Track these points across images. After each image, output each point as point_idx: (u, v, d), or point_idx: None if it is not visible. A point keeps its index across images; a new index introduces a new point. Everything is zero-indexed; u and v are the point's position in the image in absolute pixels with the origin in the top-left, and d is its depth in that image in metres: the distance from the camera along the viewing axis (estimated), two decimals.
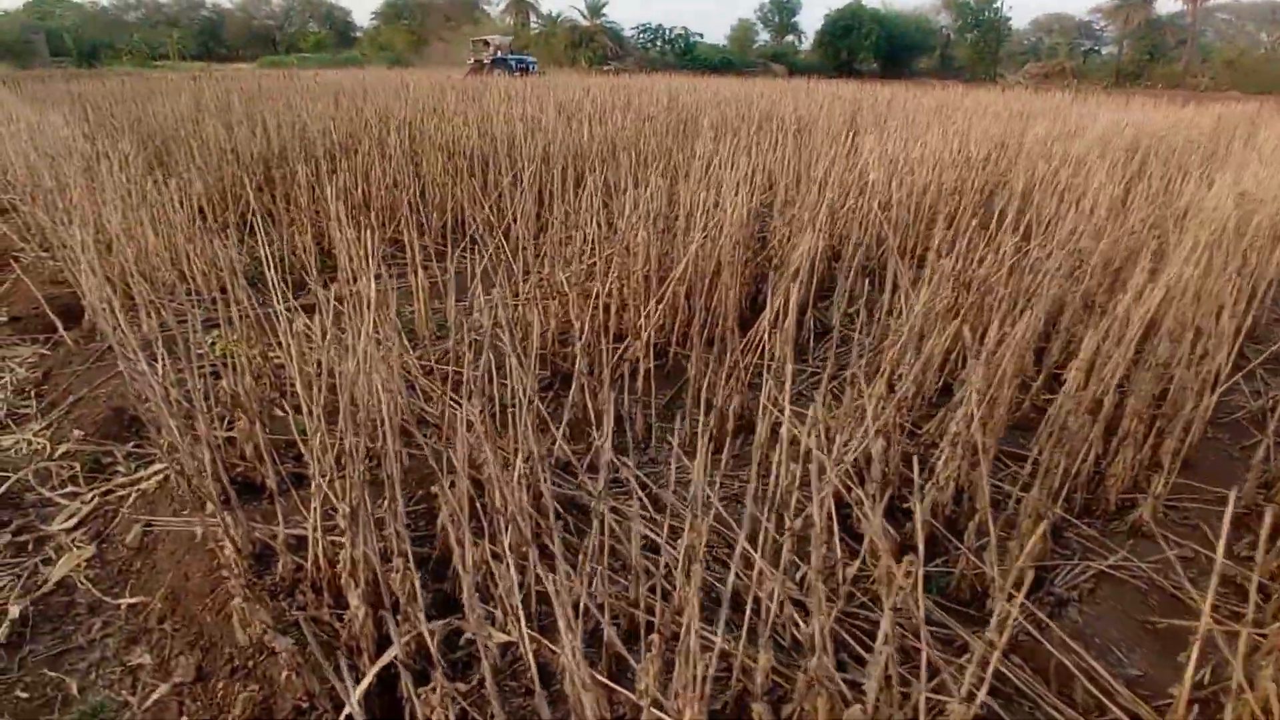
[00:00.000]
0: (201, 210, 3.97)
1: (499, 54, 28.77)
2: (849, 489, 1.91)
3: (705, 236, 2.79)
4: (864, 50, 52.16)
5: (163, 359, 2.43)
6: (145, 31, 46.22)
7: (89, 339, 3.10)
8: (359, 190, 4.22)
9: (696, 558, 1.25)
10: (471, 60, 28.89)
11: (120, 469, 2.26)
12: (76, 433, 2.37)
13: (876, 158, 4.03)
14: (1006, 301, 2.54)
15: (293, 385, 2.41)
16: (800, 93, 13.68)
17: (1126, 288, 2.33)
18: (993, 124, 7.06)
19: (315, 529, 1.66)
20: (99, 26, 44.63)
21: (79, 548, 1.94)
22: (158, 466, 2.21)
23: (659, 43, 50.02)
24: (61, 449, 2.33)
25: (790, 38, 58.52)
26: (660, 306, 2.83)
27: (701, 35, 52.49)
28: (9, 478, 2.19)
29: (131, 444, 2.38)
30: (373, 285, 2.34)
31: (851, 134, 4.83)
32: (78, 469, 2.23)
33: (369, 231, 2.74)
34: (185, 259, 3.43)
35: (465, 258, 4.31)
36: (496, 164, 4.86)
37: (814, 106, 9.42)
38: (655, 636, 1.21)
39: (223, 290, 3.48)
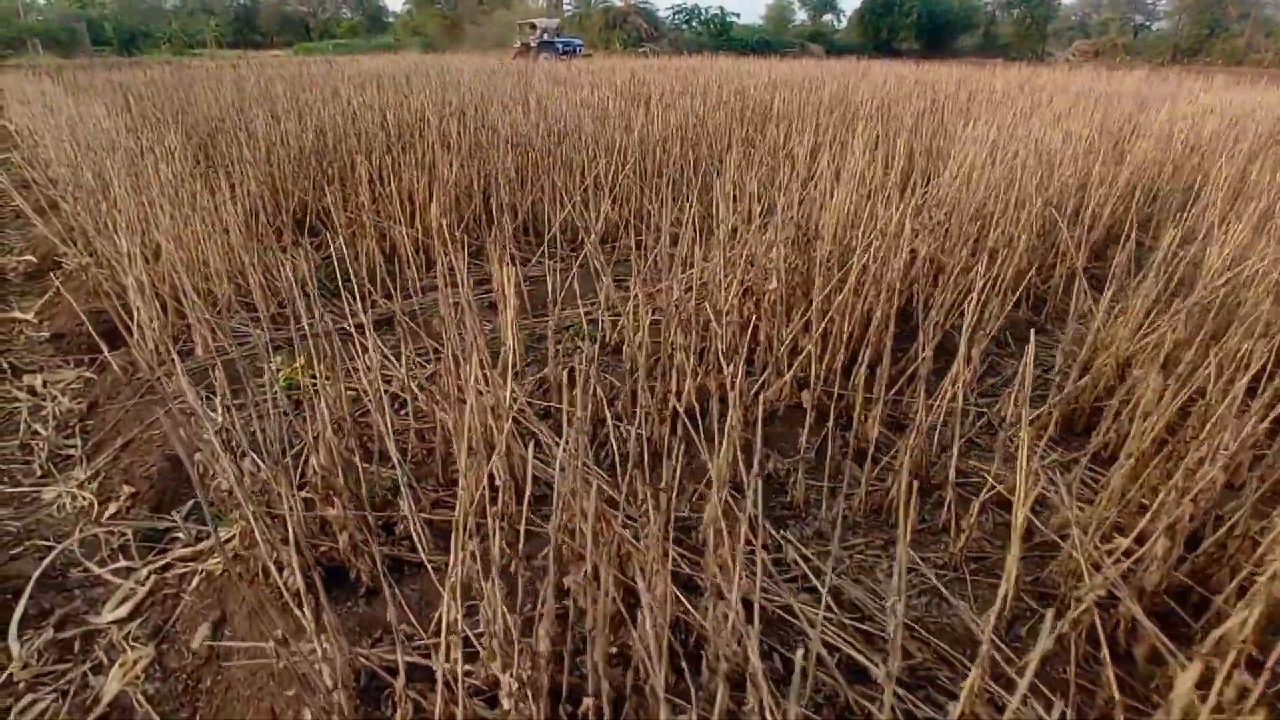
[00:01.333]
0: (255, 212, 3.60)
1: (545, 36, 28.43)
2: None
3: (870, 255, 2.34)
4: (905, 29, 50.74)
5: (222, 395, 2.07)
6: (183, 19, 46.47)
7: (137, 364, 2.75)
8: (423, 188, 3.83)
9: None
10: (518, 43, 28.62)
11: (180, 535, 1.90)
12: (126, 489, 2.02)
13: (1022, 148, 3.53)
14: None
15: (376, 434, 2.03)
16: (855, 74, 13.03)
17: None
18: (1089, 108, 6.45)
19: (446, 656, 1.27)
20: (138, 15, 44.93)
21: (134, 646, 1.58)
22: (225, 534, 1.84)
23: (694, 23, 49.08)
24: (111, 509, 1.97)
25: (828, 16, 57.15)
26: (794, 331, 2.40)
27: (738, 15, 51.49)
28: (52, 547, 1.85)
29: (192, 502, 2.02)
30: (473, 313, 1.94)
31: (962, 123, 4.32)
32: (130, 537, 1.88)
33: (449, 238, 2.34)
34: (241, 268, 3.07)
35: (543, 264, 3.92)
36: (562, 156, 4.44)
37: (883, 90, 8.83)
38: None
39: (281, 304, 3.12)
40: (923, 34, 49.03)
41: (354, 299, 3.26)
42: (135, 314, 2.70)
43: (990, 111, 5.58)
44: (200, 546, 1.85)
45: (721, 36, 46.05)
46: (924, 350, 2.06)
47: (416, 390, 2.28)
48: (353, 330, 2.75)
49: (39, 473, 2.22)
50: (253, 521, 1.52)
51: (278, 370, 2.62)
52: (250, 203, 3.50)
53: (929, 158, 3.80)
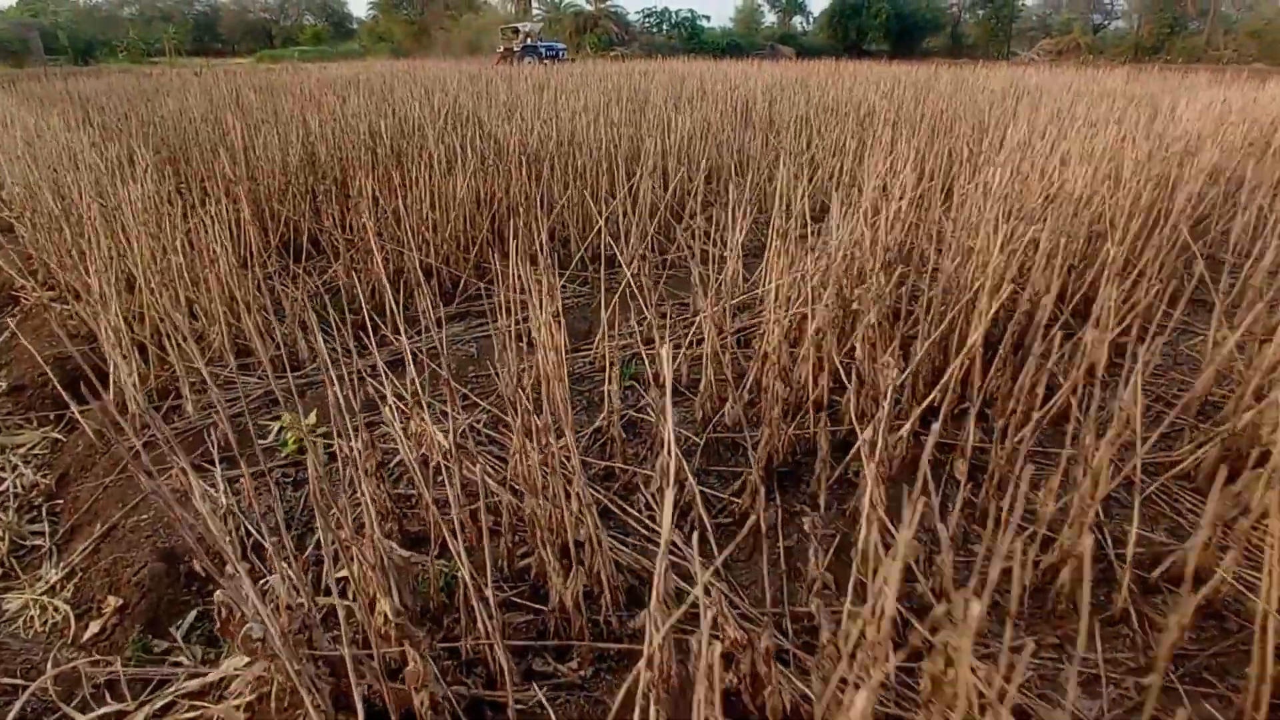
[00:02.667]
0: (242, 238, 3.19)
1: (529, 41, 28.07)
2: None
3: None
4: (874, 30, 51.16)
5: (222, 465, 1.69)
6: (140, 27, 45.16)
7: (116, 424, 2.34)
8: (431, 206, 3.44)
9: None
10: (501, 48, 28.23)
11: (183, 661, 1.51)
12: (111, 600, 1.62)
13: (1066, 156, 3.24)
14: None
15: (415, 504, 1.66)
16: (839, 77, 12.82)
17: None
18: (1118, 110, 6.24)
19: None
20: (93, 23, 43.58)
21: None
22: (235, 666, 1.45)
23: (664, 26, 48.96)
24: (92, 628, 1.57)
25: (797, 19, 57.41)
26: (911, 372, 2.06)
27: (708, 18, 51.55)
28: (18, 686, 1.45)
29: (194, 612, 1.63)
30: (559, 369, 1.59)
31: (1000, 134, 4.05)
32: (117, 666, 1.48)
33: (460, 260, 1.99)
34: (231, 303, 2.67)
35: (569, 287, 3.55)
36: (576, 167, 4.08)
37: (875, 93, 8.59)
38: None
39: (280, 346, 2.73)
40: (891, 35, 49.36)
41: (365, 335, 2.87)
42: (110, 363, 2.30)
43: (1036, 117, 5.33)
44: (210, 677, 1.46)
45: (692, 40, 45.96)
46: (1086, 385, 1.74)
47: (459, 452, 1.91)
48: (364, 375, 2.37)
49: None
50: (288, 668, 1.15)
51: (280, 431, 2.23)
52: (238, 228, 3.09)
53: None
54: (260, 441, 2.24)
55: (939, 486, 2.01)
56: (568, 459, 1.57)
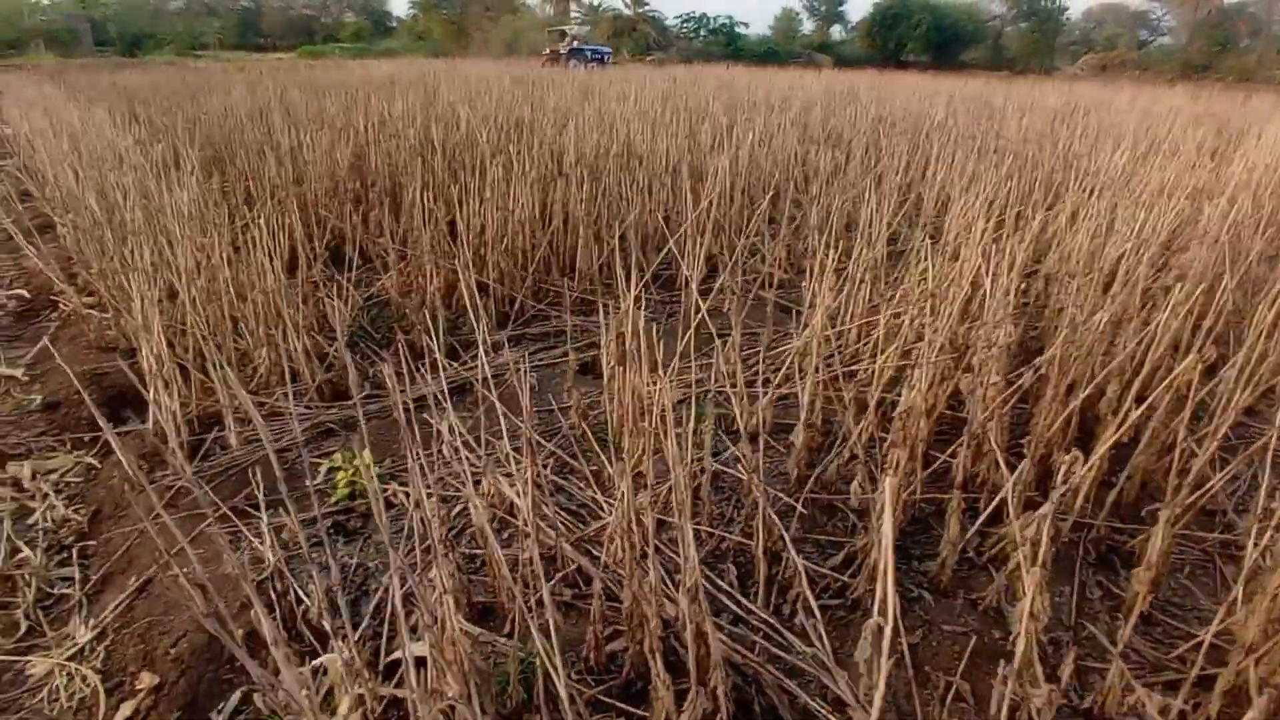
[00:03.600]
0: (293, 249, 3.02)
1: (575, 44, 28.11)
2: None
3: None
4: (913, 41, 50.60)
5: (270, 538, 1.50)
6: (187, 21, 45.85)
7: (155, 451, 2.16)
8: (482, 221, 3.25)
9: None
10: (548, 50, 28.31)
11: None
12: (146, 677, 1.43)
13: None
14: None
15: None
16: (890, 88, 12.52)
17: None
18: (1202, 136, 5.91)
19: None
20: (142, 16, 44.29)
21: None
22: None
23: (702, 32, 48.74)
24: (124, 710, 1.38)
25: (835, 27, 56.95)
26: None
27: (747, 25, 51.34)
28: None
29: (239, 693, 1.43)
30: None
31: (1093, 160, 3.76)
32: None
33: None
34: (279, 322, 2.48)
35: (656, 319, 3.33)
36: (637, 181, 3.87)
37: (942, 108, 8.30)
38: None
39: (329, 368, 2.54)
40: (931, 46, 48.72)
41: (419, 362, 2.68)
42: (149, 383, 2.12)
43: (1126, 143, 5.03)
44: None
45: (730, 46, 45.69)
46: None
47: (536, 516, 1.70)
48: (420, 410, 2.17)
49: (23, 625, 1.64)
50: None
51: (329, 473, 2.04)
52: (285, 236, 2.91)
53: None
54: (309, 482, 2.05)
55: (1074, 570, 1.77)
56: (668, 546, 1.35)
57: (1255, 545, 1.46)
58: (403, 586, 1.67)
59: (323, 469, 2.09)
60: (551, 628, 1.19)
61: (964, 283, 1.98)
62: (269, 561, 1.65)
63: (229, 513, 1.86)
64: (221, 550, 1.60)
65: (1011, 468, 1.89)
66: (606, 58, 27.67)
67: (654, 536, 1.25)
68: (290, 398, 2.11)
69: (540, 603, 1.49)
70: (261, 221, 2.66)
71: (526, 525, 1.83)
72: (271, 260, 2.53)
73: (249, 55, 33.91)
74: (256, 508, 1.82)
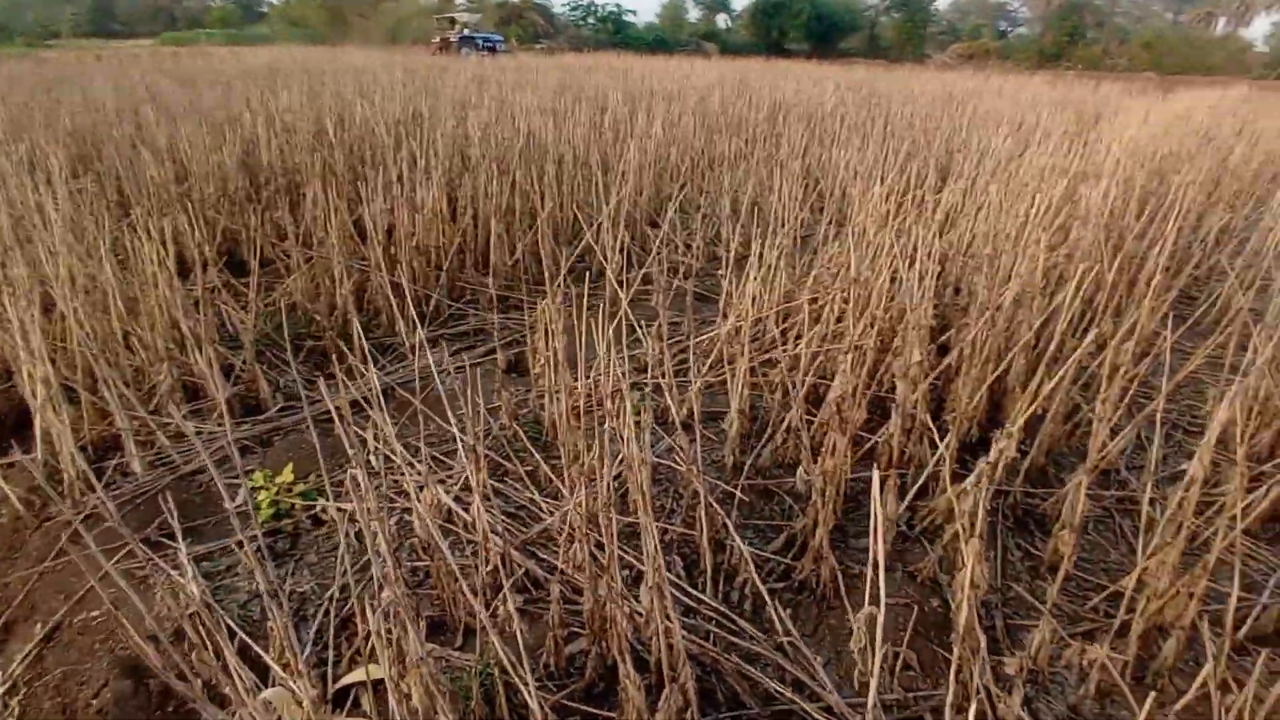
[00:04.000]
0: (182, 254, 2.81)
1: (466, 32, 27.08)
2: None
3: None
4: (795, 29, 52.11)
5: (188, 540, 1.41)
6: (38, 10, 41.55)
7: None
8: (390, 217, 3.12)
9: None
10: (438, 38, 27.05)
11: None
12: None
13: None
14: None
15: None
16: (778, 76, 12.86)
17: None
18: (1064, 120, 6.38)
19: None
20: None
21: None
22: None
23: (590, 20, 48.48)
24: None
25: (721, 16, 57.93)
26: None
27: (635, 13, 51.43)
28: None
29: None
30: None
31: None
32: None
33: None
34: (177, 335, 2.30)
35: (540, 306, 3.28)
36: (547, 173, 3.82)
37: (829, 95, 8.60)
38: None
39: (235, 381, 2.39)
40: (811, 35, 50.35)
41: (334, 369, 2.55)
42: (35, 409, 1.92)
43: (1003, 128, 5.35)
44: None
45: (619, 34, 45.66)
46: None
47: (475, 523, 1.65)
48: (335, 416, 2.07)
49: None
50: None
51: (254, 493, 1.92)
52: (174, 242, 2.70)
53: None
54: (228, 505, 1.92)
55: (996, 535, 1.89)
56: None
57: (1151, 500, 1.61)
58: (347, 607, 1.61)
59: (242, 490, 1.96)
60: (518, 637, 1.16)
61: (882, 268, 2.07)
62: (193, 594, 1.54)
63: (141, 546, 1.71)
64: (136, 587, 1.49)
65: (934, 444, 1.99)
66: (499, 46, 27.00)
67: (614, 535, 1.24)
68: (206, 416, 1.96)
69: (495, 613, 1.46)
70: (146, 226, 2.45)
71: (471, 533, 1.79)
72: (161, 267, 2.34)
73: (106, 44, 31.10)
74: (171, 537, 1.70)
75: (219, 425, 2.21)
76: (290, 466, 1.99)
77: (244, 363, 2.40)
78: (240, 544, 1.82)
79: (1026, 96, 10.51)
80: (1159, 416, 1.77)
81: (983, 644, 1.30)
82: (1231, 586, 1.33)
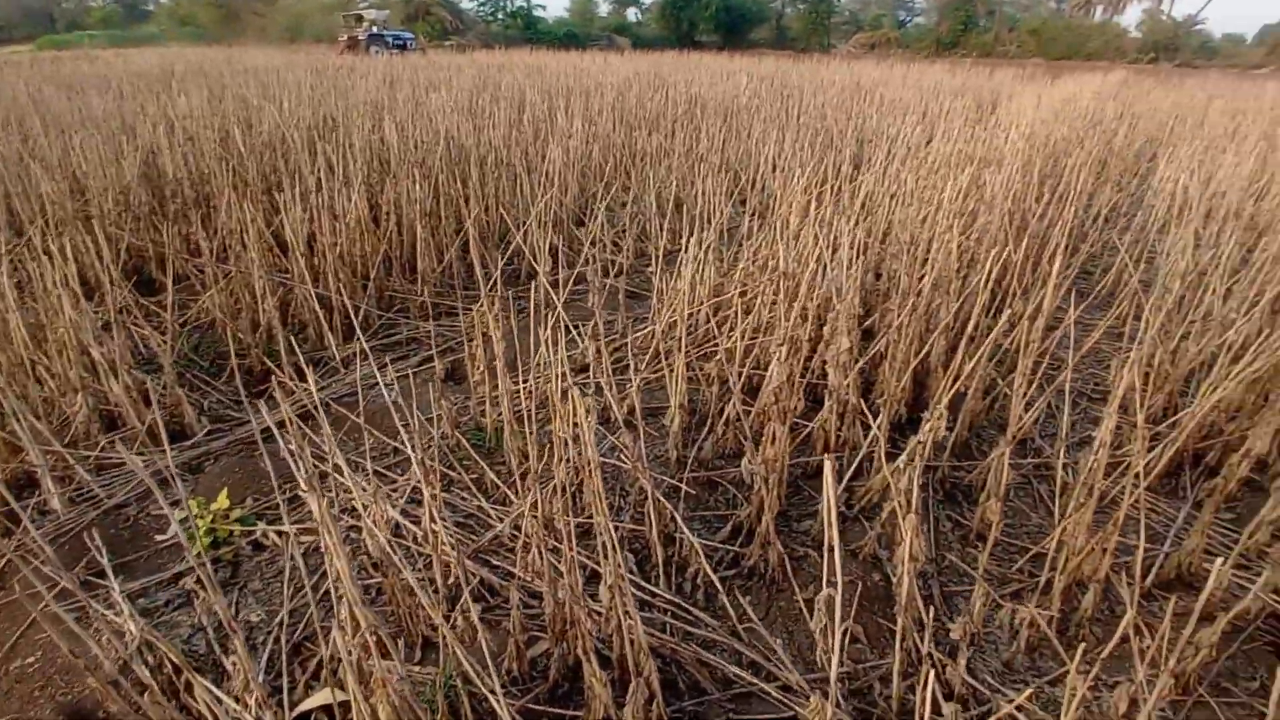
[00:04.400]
0: (82, 276, 2.67)
1: (375, 29, 25.94)
2: None
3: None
4: (705, 21, 52.67)
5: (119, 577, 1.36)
6: None
7: None
8: (323, 231, 3.03)
9: None
10: (345, 37, 25.72)
11: None
12: None
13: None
14: None
15: None
16: (691, 69, 13.01)
17: None
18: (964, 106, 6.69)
19: None
20: None
21: None
22: None
23: (500, 15, 47.83)
24: None
25: (631, 10, 58.07)
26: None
27: (545, 7, 50.99)
28: None
29: None
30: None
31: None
32: None
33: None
34: (84, 361, 2.19)
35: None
36: (475, 175, 3.78)
37: (743, 88, 8.77)
38: None
39: (158, 403, 2.29)
40: (721, 27, 51.05)
41: (262, 387, 2.47)
42: None
43: (912, 117, 5.56)
44: None
45: (529, 29, 45.19)
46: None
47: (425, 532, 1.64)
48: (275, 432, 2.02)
49: None
50: None
51: (183, 521, 1.85)
52: (75, 262, 2.55)
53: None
54: (159, 537, 1.85)
55: (927, 508, 1.99)
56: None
57: (1064, 465, 1.74)
58: (299, 632, 1.58)
59: (174, 520, 1.89)
60: (484, 648, 1.17)
61: (809, 259, 2.15)
62: (132, 634, 1.48)
63: (76, 585, 1.63)
64: (66, 633, 1.42)
65: (866, 427, 2.09)
66: (410, 44, 26.12)
67: (573, 539, 1.27)
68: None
69: (455, 624, 1.46)
70: (44, 246, 2.32)
71: (421, 545, 1.78)
72: (65, 289, 2.21)
73: None
74: (102, 575, 1.62)
75: (143, 454, 2.11)
76: (225, 492, 1.93)
77: (165, 387, 2.29)
78: (178, 577, 1.76)
79: (929, 84, 10.97)
80: (1068, 387, 1.91)
81: (924, 613, 1.39)
82: (1138, 539, 1.46)
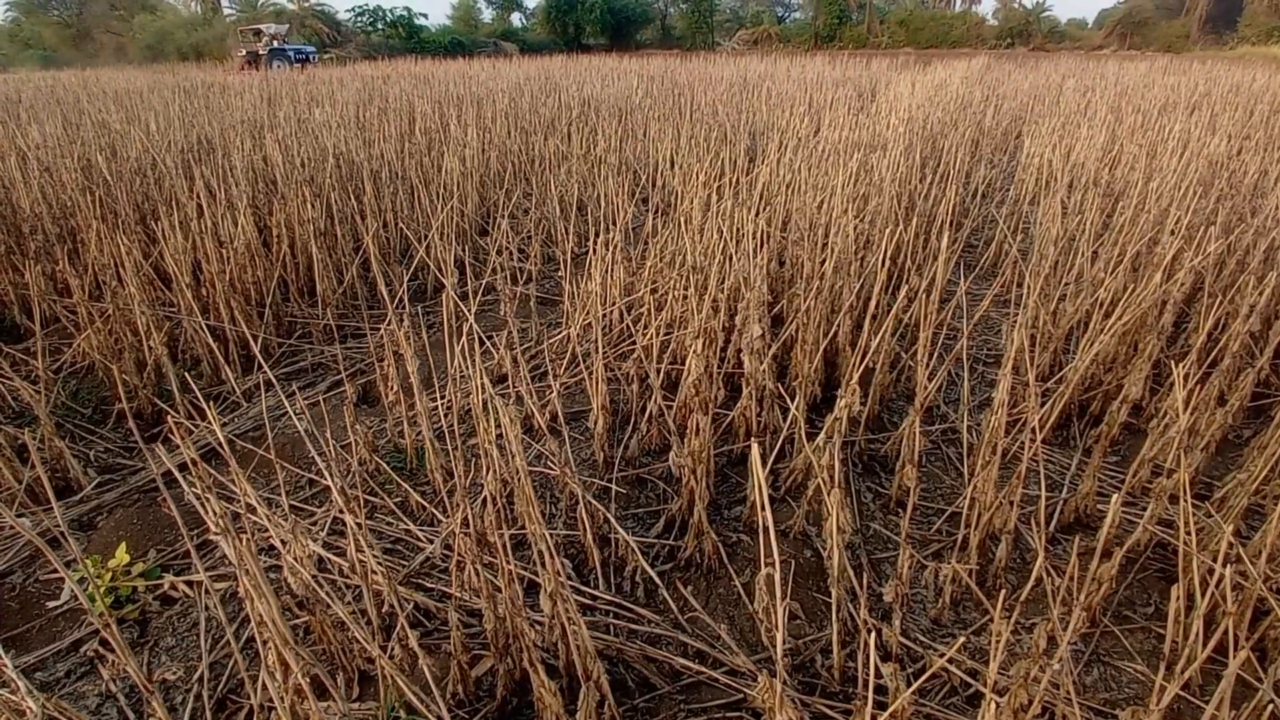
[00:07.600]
0: None
1: (275, 44, 24.66)
2: None
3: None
4: (590, 24, 52.87)
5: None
6: None
7: None
8: (210, 259, 2.86)
9: None
10: (244, 52, 24.27)
11: None
12: None
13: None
14: None
15: None
16: (581, 71, 13.03)
17: None
18: (845, 95, 6.96)
19: None
20: None
21: None
22: None
23: (379, 25, 46.45)
24: None
25: (515, 15, 57.62)
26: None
27: (426, 15, 49.93)
28: None
29: None
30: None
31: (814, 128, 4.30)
32: None
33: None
34: None
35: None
36: (344, 192, 3.66)
37: (635, 89, 8.84)
38: None
39: (27, 459, 2.11)
40: (607, 29, 51.33)
41: (155, 430, 2.31)
42: None
43: (799, 109, 5.73)
44: None
45: (412, 39, 44.10)
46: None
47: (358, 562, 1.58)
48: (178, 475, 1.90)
49: None
50: None
51: (82, 581, 1.71)
52: None
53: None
54: (52, 604, 1.71)
55: (849, 481, 2.07)
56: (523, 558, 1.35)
57: (968, 428, 1.84)
58: (222, 686, 1.49)
59: (71, 581, 1.74)
60: (426, 674, 1.14)
61: (715, 252, 2.19)
62: (33, 711, 1.36)
63: None
64: None
65: (784, 410, 2.15)
66: (312, 57, 25.11)
67: (508, 551, 1.25)
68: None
69: (393, 654, 1.42)
70: None
71: (348, 577, 1.71)
72: None
73: None
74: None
75: (24, 515, 1.94)
76: (123, 546, 1.80)
77: (42, 440, 2.12)
78: (78, 645, 1.63)
79: (812, 76, 11.37)
80: (965, 354, 2.02)
81: (855, 582, 1.44)
82: (1040, 489, 1.56)
